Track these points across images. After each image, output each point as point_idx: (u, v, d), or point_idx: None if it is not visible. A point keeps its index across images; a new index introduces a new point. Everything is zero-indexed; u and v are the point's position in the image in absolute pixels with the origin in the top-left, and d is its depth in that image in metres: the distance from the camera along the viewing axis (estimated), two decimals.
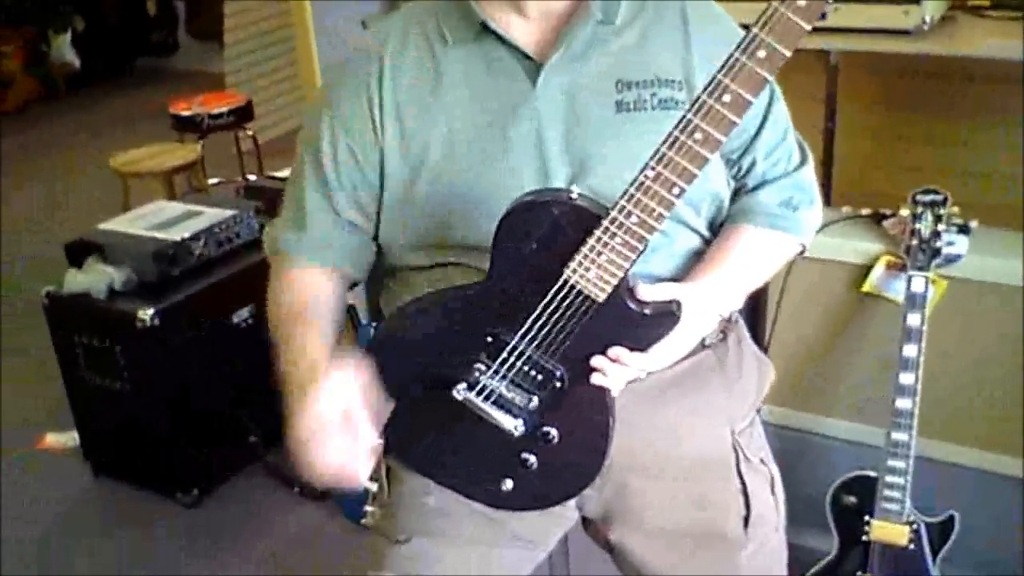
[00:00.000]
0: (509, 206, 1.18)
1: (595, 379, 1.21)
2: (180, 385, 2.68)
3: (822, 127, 2.60)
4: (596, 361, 1.20)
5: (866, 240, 2.20)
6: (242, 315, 2.78)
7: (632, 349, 1.20)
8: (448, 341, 1.26)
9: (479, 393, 1.25)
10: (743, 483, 1.44)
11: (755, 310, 2.36)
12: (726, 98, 1.07)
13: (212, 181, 4.36)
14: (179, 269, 2.70)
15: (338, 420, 1.20)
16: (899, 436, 2.02)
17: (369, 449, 1.22)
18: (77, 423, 2.87)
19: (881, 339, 2.16)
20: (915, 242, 2.05)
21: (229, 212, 2.83)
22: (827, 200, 2.59)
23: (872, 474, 2.07)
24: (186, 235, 2.72)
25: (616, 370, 1.21)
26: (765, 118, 1.37)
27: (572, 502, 1.42)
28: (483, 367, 1.24)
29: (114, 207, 3.52)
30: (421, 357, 1.28)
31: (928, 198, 2.07)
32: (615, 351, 1.19)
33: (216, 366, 2.74)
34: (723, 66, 1.07)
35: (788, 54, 1.05)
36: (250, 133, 4.39)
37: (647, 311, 1.19)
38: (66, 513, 2.76)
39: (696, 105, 1.08)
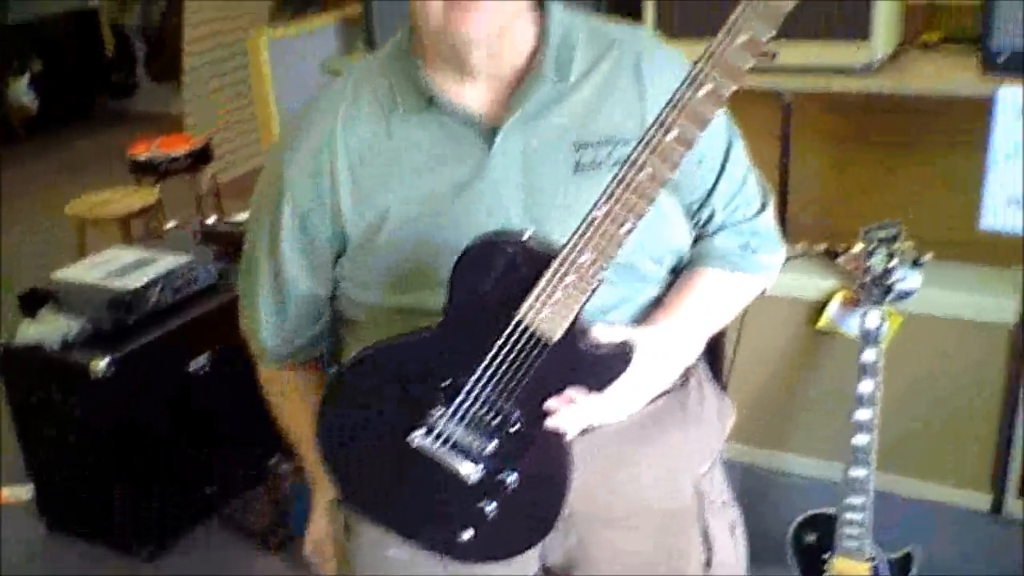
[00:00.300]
0: (465, 247, 1.17)
1: (550, 422, 1.20)
2: (135, 436, 2.63)
3: (777, 163, 2.63)
4: (550, 403, 1.19)
5: (821, 276, 2.22)
6: (199, 363, 2.74)
7: (588, 390, 1.19)
8: (404, 386, 1.24)
9: (436, 438, 1.23)
10: (705, 528, 1.43)
11: (714, 347, 2.37)
12: (673, 133, 1.07)
13: (170, 224, 4.31)
14: (134, 318, 2.66)
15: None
16: (857, 472, 2.03)
17: None
18: (32, 476, 2.81)
19: (838, 375, 2.18)
20: (868, 278, 2.07)
21: (185, 258, 2.80)
22: (784, 236, 2.62)
23: (832, 512, 2.07)
24: (141, 283, 2.68)
25: (571, 412, 1.20)
26: (723, 168, 1.36)
27: (534, 552, 1.39)
28: (439, 411, 1.22)
29: (71, 253, 3.47)
30: (377, 404, 1.27)
31: (881, 233, 2.09)
32: (569, 393, 1.18)
33: (173, 416, 2.69)
34: (670, 102, 1.07)
35: (733, 87, 1.06)
36: (209, 175, 4.36)
37: (600, 352, 1.19)
38: (19, 568, 2.69)
39: (644, 141, 1.08)
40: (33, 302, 2.67)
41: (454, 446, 1.23)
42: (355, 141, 1.30)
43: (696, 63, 1.06)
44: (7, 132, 6.59)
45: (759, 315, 2.24)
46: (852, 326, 2.14)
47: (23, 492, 2.87)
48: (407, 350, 1.25)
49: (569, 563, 1.42)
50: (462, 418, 1.22)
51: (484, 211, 1.26)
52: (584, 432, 1.28)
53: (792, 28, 2.12)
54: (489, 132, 1.27)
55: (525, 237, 1.17)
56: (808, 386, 2.29)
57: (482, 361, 1.19)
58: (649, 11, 2.35)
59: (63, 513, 2.79)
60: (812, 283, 2.22)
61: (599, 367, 1.19)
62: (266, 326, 1.41)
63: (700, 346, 1.42)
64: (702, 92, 1.06)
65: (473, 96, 1.29)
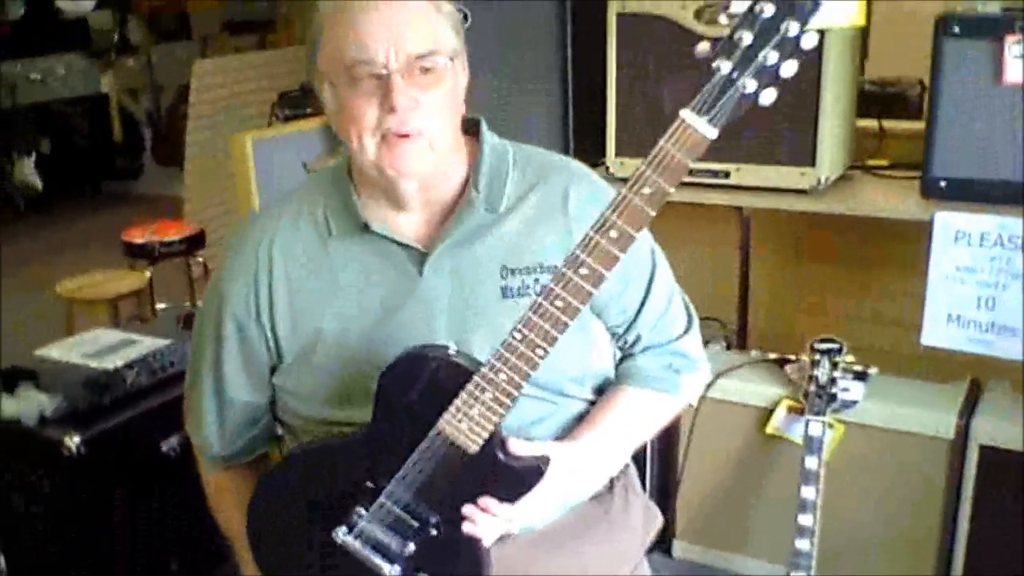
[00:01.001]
0: (393, 359, 1.26)
1: (466, 527, 1.27)
2: (105, 514, 2.67)
3: (738, 273, 2.73)
4: (466, 510, 1.26)
5: (769, 384, 2.30)
6: (171, 443, 2.79)
7: (501, 500, 1.26)
8: (332, 485, 1.32)
9: (357, 536, 1.30)
10: None
11: (667, 448, 2.44)
12: (583, 271, 1.17)
13: (161, 305, 4.42)
14: (110, 397, 2.71)
15: None
16: None
17: None
18: (3, 550, 2.85)
19: (785, 480, 2.24)
20: (813, 388, 2.15)
21: (164, 342, 2.88)
22: (743, 343, 2.70)
23: None
24: (119, 364, 2.74)
25: (485, 520, 1.27)
26: (647, 295, 1.45)
27: None
28: (362, 511, 1.30)
29: (59, 332, 3.56)
30: (305, 501, 1.34)
31: (825, 346, 2.17)
32: (484, 501, 1.26)
33: (143, 494, 2.74)
34: (581, 242, 1.16)
35: (636, 236, 1.15)
36: (200, 260, 4.48)
37: (515, 465, 1.26)
38: None
39: (557, 276, 1.18)
40: (14, 378, 2.75)
41: (375, 546, 1.30)
42: (292, 261, 1.39)
43: (606, 211, 1.16)
44: (11, 208, 6.75)
45: (711, 419, 2.33)
46: (797, 433, 2.21)
47: None
48: (335, 452, 1.33)
49: None
50: (383, 519, 1.29)
51: (414, 331, 1.34)
52: (504, 537, 1.36)
53: (748, 153, 2.28)
54: (421, 256, 1.36)
55: (450, 352, 1.26)
56: (758, 490, 2.35)
57: (403, 466, 1.27)
58: (611, 134, 2.46)
59: None
60: (760, 390, 2.30)
61: (513, 479, 1.27)
62: (208, 428, 1.49)
63: (621, 460, 1.49)
64: (610, 235, 1.16)
65: (407, 222, 1.38)
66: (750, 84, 1.11)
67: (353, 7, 1.27)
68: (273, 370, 1.43)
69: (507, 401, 1.21)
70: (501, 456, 1.25)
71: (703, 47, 1.12)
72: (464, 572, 1.32)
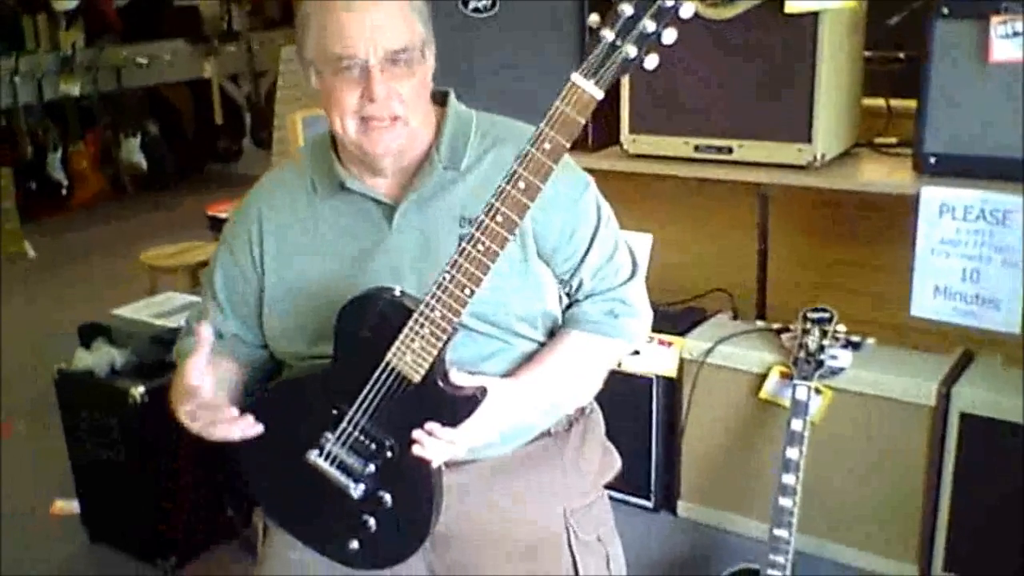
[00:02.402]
0: (348, 300, 1.45)
1: (415, 450, 1.44)
2: (167, 459, 2.94)
3: (757, 249, 2.83)
4: (415, 434, 1.44)
5: (764, 351, 2.41)
6: None
7: (444, 425, 1.43)
8: (304, 413, 1.51)
9: (326, 458, 1.49)
10: (573, 559, 1.63)
11: (671, 413, 2.57)
12: (498, 219, 1.34)
13: None
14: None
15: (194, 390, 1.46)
16: (780, 532, 2.19)
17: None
18: (78, 491, 3.16)
19: (777, 442, 2.35)
20: (802, 354, 2.26)
21: None
22: (762, 314, 2.81)
23: (755, 567, 2.24)
24: (183, 323, 3.01)
25: (431, 443, 1.43)
26: (592, 243, 1.59)
27: (422, 566, 1.62)
28: (329, 435, 1.49)
29: (142, 296, 3.87)
30: (284, 426, 1.54)
31: (816, 315, 2.28)
32: (429, 426, 1.42)
33: (201, 443, 2.98)
34: (495, 193, 1.33)
35: (542, 185, 1.31)
36: None
37: (455, 393, 1.43)
38: (60, 573, 3.03)
39: (477, 224, 1.35)
40: (90, 334, 3.04)
41: (340, 466, 1.48)
42: (281, 218, 1.61)
43: (513, 162, 1.32)
44: (118, 187, 7.21)
45: (711, 384, 2.46)
46: (788, 397, 2.32)
47: (72, 506, 3.22)
48: (307, 382, 1.54)
49: None
50: (346, 442, 1.48)
51: (385, 276, 1.52)
52: (462, 464, 1.54)
53: (750, 129, 2.40)
54: (390, 211, 1.55)
55: (396, 293, 1.44)
56: (753, 452, 2.47)
57: (360, 394, 1.45)
58: (624, 113, 2.61)
59: (104, 526, 3.12)
60: (756, 357, 2.42)
61: (453, 406, 1.43)
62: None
63: (565, 397, 1.64)
64: (519, 185, 1.32)
65: (380, 183, 1.58)
66: (631, 50, 1.25)
67: (337, 7, 1.46)
68: (261, 312, 1.64)
69: (443, 335, 1.38)
70: (442, 385, 1.42)
71: (593, 18, 1.27)
72: (417, 490, 1.49)
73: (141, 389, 2.86)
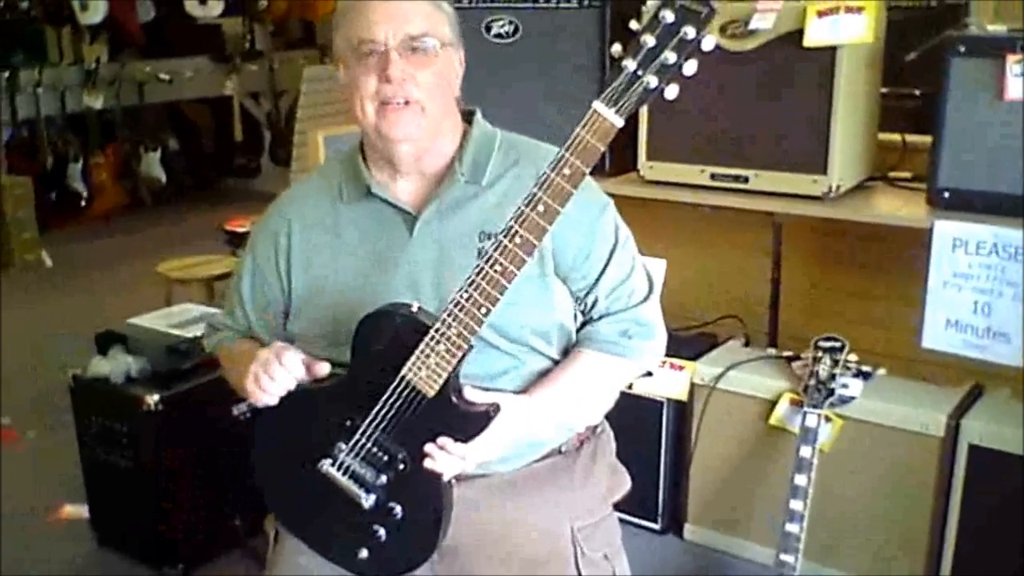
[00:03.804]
0: (365, 314, 1.48)
1: (427, 463, 1.47)
2: (177, 467, 2.96)
3: (770, 278, 2.85)
4: (427, 448, 1.46)
5: (775, 378, 2.43)
6: (242, 408, 3.03)
7: (456, 440, 1.45)
8: (319, 424, 1.54)
9: (339, 468, 1.52)
10: (580, 575, 1.65)
11: (680, 437, 2.59)
12: (517, 240, 1.36)
13: None
14: (189, 363, 3.01)
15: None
16: (786, 558, 2.21)
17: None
18: (88, 496, 3.18)
19: (786, 468, 2.36)
20: (813, 382, 2.28)
21: None
22: (773, 342, 2.83)
23: None
24: (199, 334, 3.04)
25: (443, 457, 1.46)
26: (608, 263, 1.62)
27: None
28: (343, 446, 1.51)
29: (157, 307, 3.90)
30: (297, 435, 1.56)
31: (827, 344, 2.30)
32: (441, 440, 1.45)
33: (212, 452, 3.01)
34: (514, 215, 1.36)
35: (561, 209, 1.34)
36: None
37: (468, 409, 1.46)
38: None
39: (495, 245, 1.37)
40: (107, 341, 3.08)
41: (353, 476, 1.51)
42: (307, 224, 1.65)
43: (534, 186, 1.35)
44: (136, 199, 7.28)
45: (721, 409, 2.48)
46: (798, 424, 2.34)
47: (81, 511, 3.24)
48: (322, 394, 1.55)
49: None
50: (359, 454, 1.50)
51: (403, 285, 1.56)
52: (472, 478, 1.57)
53: (766, 159, 2.42)
54: (412, 220, 1.59)
55: (413, 309, 1.46)
56: (762, 478, 2.48)
57: (374, 407, 1.48)
58: (642, 140, 2.65)
59: (112, 531, 3.14)
60: (766, 383, 2.43)
61: (466, 422, 1.45)
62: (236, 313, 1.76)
63: (577, 416, 1.67)
64: (538, 209, 1.35)
65: (403, 189, 1.61)
66: (652, 80, 1.28)
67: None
68: (286, 317, 1.67)
69: (458, 352, 1.40)
70: (455, 401, 1.45)
71: (616, 48, 1.30)
72: (427, 503, 1.51)
73: (155, 397, 2.89)
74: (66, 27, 6.93)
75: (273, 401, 1.54)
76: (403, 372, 1.44)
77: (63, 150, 6.78)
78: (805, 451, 2.22)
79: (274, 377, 1.52)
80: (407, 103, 1.51)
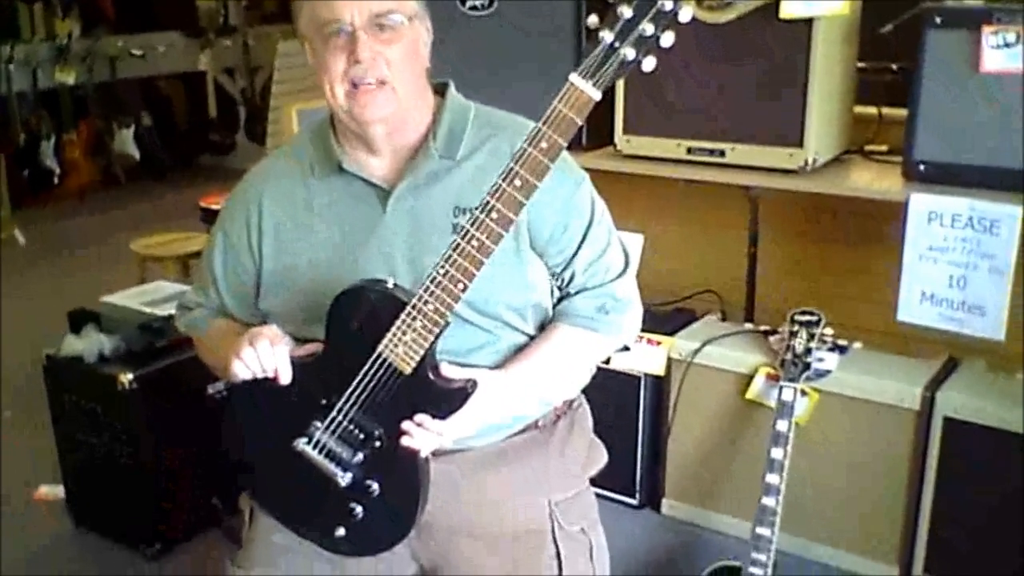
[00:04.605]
0: (340, 292, 1.46)
1: (404, 440, 1.46)
2: (153, 446, 2.94)
3: (747, 252, 2.85)
4: (404, 425, 1.45)
5: (752, 352, 2.43)
6: (218, 387, 3.04)
7: (433, 416, 1.44)
8: (294, 402, 1.52)
9: (315, 446, 1.50)
10: (557, 549, 1.65)
11: (658, 413, 2.59)
12: (493, 215, 1.35)
13: None
14: (163, 341, 2.99)
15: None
16: (763, 531, 2.21)
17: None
18: (64, 476, 3.16)
19: (762, 442, 2.37)
20: (789, 356, 2.28)
21: None
22: (750, 316, 2.83)
23: (736, 564, 2.26)
24: (173, 311, 3.01)
25: (420, 434, 1.45)
26: (584, 238, 1.61)
27: (407, 553, 1.64)
28: (318, 424, 1.50)
29: (131, 285, 3.87)
30: (272, 412, 1.55)
31: (803, 318, 2.30)
32: (418, 417, 1.44)
33: (188, 431, 2.99)
34: (491, 190, 1.34)
35: (538, 183, 1.33)
36: None
37: (445, 386, 1.45)
38: (43, 558, 3.03)
39: (472, 219, 1.36)
40: (80, 320, 3.05)
41: (329, 454, 1.50)
42: (277, 200, 1.62)
43: (510, 160, 1.34)
44: (110, 176, 7.21)
45: (697, 384, 2.48)
46: (774, 399, 2.34)
47: (57, 491, 3.22)
48: (297, 371, 1.53)
49: (435, 568, 1.66)
50: (335, 431, 1.49)
51: (377, 260, 1.55)
52: (449, 453, 1.56)
53: (743, 133, 2.42)
54: (385, 195, 1.57)
55: (388, 285, 1.45)
56: (738, 452, 2.49)
57: (350, 385, 1.47)
58: (619, 113, 2.63)
59: (87, 511, 3.12)
60: (743, 358, 2.44)
61: (443, 398, 1.45)
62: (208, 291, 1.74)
63: (553, 391, 1.66)
64: (515, 183, 1.34)
65: (376, 164, 1.59)
66: (629, 52, 1.27)
67: None
68: (258, 294, 1.65)
69: (435, 328, 1.39)
70: (433, 377, 1.44)
71: (593, 19, 1.28)
72: (405, 480, 1.50)
73: (129, 376, 2.87)
74: (38, 2, 6.83)
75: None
76: (379, 349, 1.43)
77: (35, 127, 6.69)
78: (781, 425, 2.22)
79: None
80: (380, 83, 1.49)
